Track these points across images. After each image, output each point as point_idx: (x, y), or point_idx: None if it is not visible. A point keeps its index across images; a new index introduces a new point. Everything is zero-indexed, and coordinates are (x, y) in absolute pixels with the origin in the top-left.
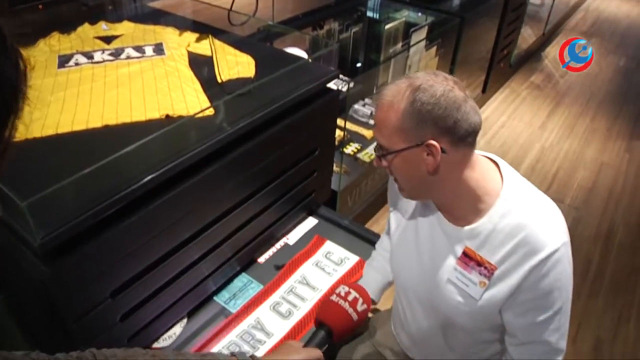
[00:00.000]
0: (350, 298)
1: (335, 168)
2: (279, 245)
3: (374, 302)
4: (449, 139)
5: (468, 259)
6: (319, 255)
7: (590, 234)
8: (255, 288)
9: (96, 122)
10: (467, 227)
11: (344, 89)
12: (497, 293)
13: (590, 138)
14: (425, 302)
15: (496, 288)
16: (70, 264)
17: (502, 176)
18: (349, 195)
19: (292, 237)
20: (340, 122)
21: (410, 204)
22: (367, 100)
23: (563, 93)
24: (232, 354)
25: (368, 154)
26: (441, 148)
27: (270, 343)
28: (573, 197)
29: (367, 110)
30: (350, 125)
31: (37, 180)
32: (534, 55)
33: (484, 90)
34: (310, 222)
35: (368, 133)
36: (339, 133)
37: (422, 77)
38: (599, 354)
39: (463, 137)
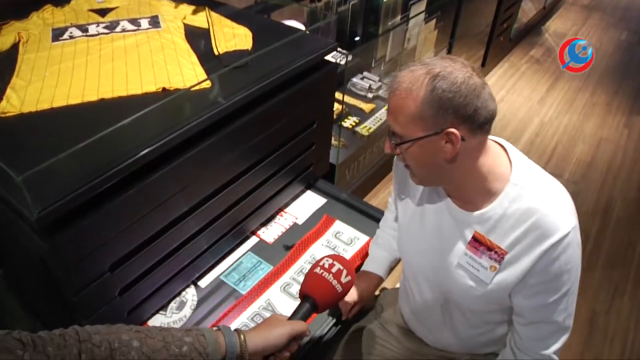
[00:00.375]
0: (334, 270)
1: (333, 141)
2: (287, 224)
3: (380, 279)
4: (468, 126)
5: (478, 243)
6: (328, 235)
7: (588, 208)
8: (265, 269)
9: (92, 96)
10: (476, 212)
11: (342, 62)
12: (508, 277)
13: (590, 113)
14: (435, 286)
15: (506, 272)
16: (68, 238)
17: (510, 161)
18: (347, 169)
19: (301, 217)
20: (338, 95)
21: (418, 190)
22: (365, 73)
23: None
24: (217, 328)
25: (366, 128)
26: (461, 136)
27: None
28: (572, 172)
29: (366, 83)
30: (348, 99)
31: (33, 154)
32: (534, 29)
33: (483, 64)
34: (319, 201)
35: (366, 107)
36: (337, 106)
37: (440, 63)
38: (594, 326)
39: (482, 125)
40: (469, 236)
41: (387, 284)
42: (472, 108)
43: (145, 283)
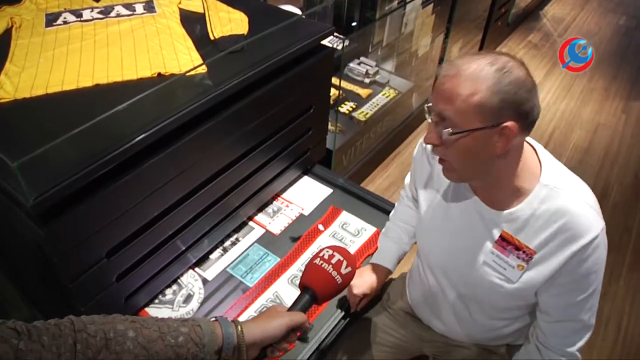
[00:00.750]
0: (333, 261)
1: (330, 127)
2: (293, 215)
3: (389, 272)
4: (522, 123)
5: (506, 242)
6: (335, 226)
7: None
8: (272, 261)
9: (87, 82)
10: (505, 211)
11: (339, 47)
12: (536, 276)
13: (587, 98)
14: (457, 282)
15: (534, 271)
16: (64, 225)
17: (540, 161)
18: (344, 154)
19: (307, 208)
20: (335, 80)
21: (442, 186)
22: (362, 58)
23: None
24: (215, 319)
25: (363, 113)
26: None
27: None
28: (569, 157)
29: (363, 68)
30: (345, 84)
31: (27, 140)
32: (532, 14)
33: (480, 49)
34: (325, 191)
35: (363, 92)
36: (334, 92)
37: (500, 57)
38: None
39: (532, 123)
40: (497, 235)
41: (394, 274)
42: (530, 105)
43: (142, 269)
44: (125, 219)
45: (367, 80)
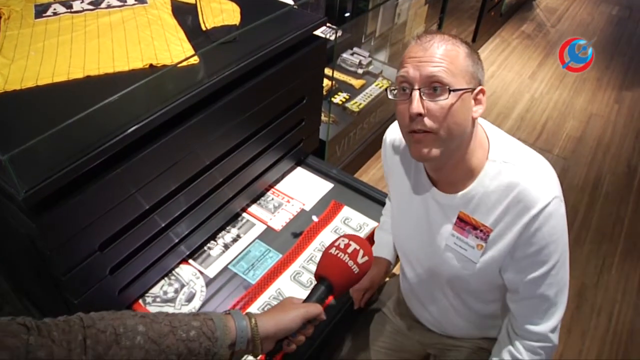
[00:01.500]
0: (350, 250)
1: (323, 118)
2: (295, 211)
3: (389, 264)
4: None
5: (464, 223)
6: (337, 222)
7: (577, 183)
8: (274, 257)
9: (77, 73)
10: (459, 193)
11: (332, 38)
12: (495, 254)
13: (580, 88)
14: (428, 269)
15: (494, 249)
16: (56, 217)
17: (487, 136)
18: (338, 145)
19: (308, 203)
20: (328, 71)
21: (404, 176)
22: (355, 49)
23: (554, 43)
24: (227, 312)
25: (357, 104)
26: None
27: None
28: (561, 147)
29: (356, 59)
30: (338, 75)
31: (18, 133)
32: (525, 3)
33: (473, 40)
34: (326, 186)
35: (357, 82)
36: (327, 82)
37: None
38: (583, 299)
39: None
40: (454, 218)
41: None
42: (483, 74)
43: (135, 262)
44: (118, 212)
45: (360, 71)
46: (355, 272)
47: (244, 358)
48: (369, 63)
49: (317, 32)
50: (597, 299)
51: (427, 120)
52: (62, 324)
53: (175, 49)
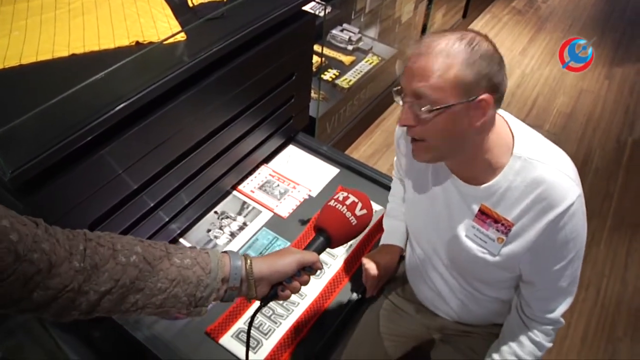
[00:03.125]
0: (348, 202)
1: (313, 95)
2: (301, 197)
3: (401, 250)
4: (495, 96)
5: (485, 216)
6: None
7: None
8: (282, 245)
9: (62, 52)
10: (482, 186)
11: (321, 14)
12: (515, 248)
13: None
14: (444, 257)
15: (514, 244)
16: (43, 198)
17: (512, 132)
18: (328, 122)
19: (315, 189)
20: (317, 48)
21: (423, 166)
22: (345, 25)
23: (545, 18)
24: (224, 252)
25: (347, 80)
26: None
27: (304, 304)
28: (552, 123)
29: (345, 35)
30: (328, 51)
31: (2, 113)
32: None
33: (464, 16)
34: (331, 171)
35: (346, 59)
36: (316, 59)
37: (467, 32)
38: None
39: (502, 96)
40: (476, 210)
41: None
42: (501, 77)
43: None
44: (107, 191)
45: (350, 47)
46: (353, 223)
47: None
48: (359, 39)
49: (306, 8)
50: (585, 274)
51: (416, 130)
52: (67, 232)
53: (161, 26)
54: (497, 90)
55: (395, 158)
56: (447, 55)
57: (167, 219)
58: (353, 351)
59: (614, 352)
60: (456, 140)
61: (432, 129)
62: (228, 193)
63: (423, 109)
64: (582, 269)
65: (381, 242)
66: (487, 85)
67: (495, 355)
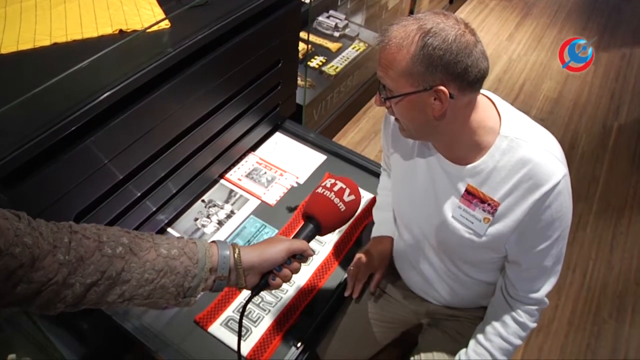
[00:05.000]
0: (336, 189)
1: (300, 82)
2: (288, 185)
3: (393, 241)
4: (457, 84)
5: (471, 196)
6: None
7: None
8: (270, 232)
9: (44, 41)
10: (468, 166)
11: (307, 0)
12: (502, 228)
13: (557, 49)
14: (430, 237)
15: (501, 223)
16: (28, 189)
17: (499, 113)
18: (315, 109)
19: (302, 176)
20: (303, 34)
21: (408, 144)
22: (331, 11)
23: (531, 4)
24: (213, 242)
25: (333, 67)
26: (449, 94)
27: (293, 291)
28: (539, 108)
29: (332, 22)
30: (314, 38)
31: None
32: None
33: (451, 1)
34: (318, 158)
35: (333, 46)
36: (302, 46)
37: (432, 19)
38: None
39: (472, 83)
40: (462, 189)
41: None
42: (463, 66)
43: None
44: (93, 181)
45: (336, 34)
46: (342, 209)
47: None
48: (345, 26)
49: None
50: (572, 257)
51: (391, 111)
52: (52, 225)
53: (145, 14)
54: (459, 80)
55: (382, 139)
56: (400, 48)
57: (154, 209)
58: (342, 337)
59: (599, 333)
60: (422, 125)
61: (398, 114)
62: (215, 181)
63: (381, 95)
64: (568, 252)
65: (373, 235)
66: (445, 75)
67: (480, 336)
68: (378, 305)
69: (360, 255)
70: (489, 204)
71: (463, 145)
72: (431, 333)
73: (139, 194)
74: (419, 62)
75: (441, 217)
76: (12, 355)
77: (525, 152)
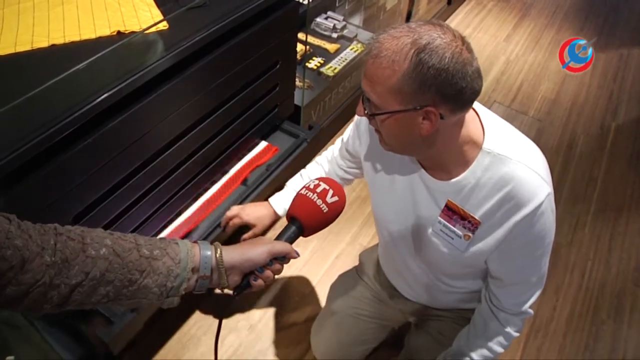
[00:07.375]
0: (319, 190)
1: (298, 83)
2: None
3: (277, 217)
4: (449, 106)
5: (451, 212)
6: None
7: (552, 144)
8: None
9: (42, 42)
10: (451, 181)
11: (305, 1)
12: (483, 246)
13: (555, 50)
14: (411, 249)
15: (482, 242)
16: (25, 191)
17: (482, 125)
18: (313, 110)
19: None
20: (301, 36)
21: (386, 155)
22: (329, 13)
23: (529, 5)
24: (195, 242)
25: (332, 68)
26: (440, 114)
27: None
28: (537, 109)
29: (330, 23)
30: (312, 39)
31: None
32: None
33: (449, 2)
34: None
35: (331, 47)
36: (300, 47)
37: (428, 33)
38: (557, 258)
39: (465, 103)
40: (442, 204)
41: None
42: (457, 88)
43: None
44: (91, 183)
45: (334, 35)
46: (325, 211)
47: None
48: (344, 27)
49: None
50: (570, 257)
51: (373, 122)
52: (38, 227)
53: (143, 15)
54: (452, 100)
55: (349, 136)
56: (391, 63)
57: (151, 211)
58: (334, 334)
59: (597, 334)
60: (408, 143)
61: (382, 130)
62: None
63: (366, 110)
64: (566, 253)
65: (270, 198)
66: (436, 96)
67: (462, 343)
68: (368, 304)
69: (243, 206)
70: (469, 221)
71: (445, 160)
72: (416, 334)
73: (136, 196)
74: (411, 80)
75: (420, 229)
76: (11, 357)
77: (508, 169)
